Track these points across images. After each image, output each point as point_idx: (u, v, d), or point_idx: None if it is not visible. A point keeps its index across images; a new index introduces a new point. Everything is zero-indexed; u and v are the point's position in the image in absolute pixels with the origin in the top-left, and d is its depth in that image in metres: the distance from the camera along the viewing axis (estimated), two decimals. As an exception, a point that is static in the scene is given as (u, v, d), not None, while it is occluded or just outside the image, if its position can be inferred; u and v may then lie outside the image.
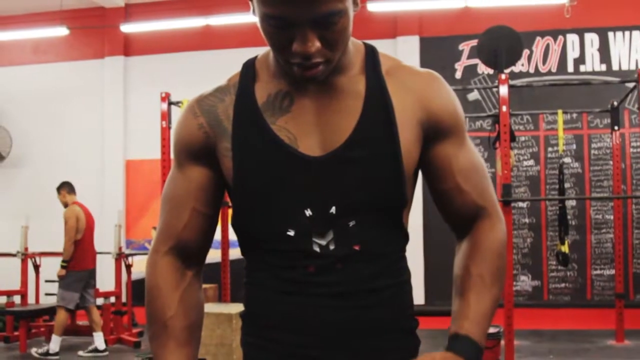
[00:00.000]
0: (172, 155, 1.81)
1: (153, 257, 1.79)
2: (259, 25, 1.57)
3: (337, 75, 1.66)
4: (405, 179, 1.68)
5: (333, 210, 1.64)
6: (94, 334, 8.94)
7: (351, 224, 1.64)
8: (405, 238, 1.78)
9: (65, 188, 9.41)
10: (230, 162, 1.68)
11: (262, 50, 1.82)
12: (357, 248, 1.65)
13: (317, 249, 1.64)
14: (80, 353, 8.89)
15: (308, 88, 1.66)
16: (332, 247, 1.64)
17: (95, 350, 8.88)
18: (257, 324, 1.75)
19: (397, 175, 1.66)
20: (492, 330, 7.98)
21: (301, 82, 1.65)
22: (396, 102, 1.68)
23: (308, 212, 1.64)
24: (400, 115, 1.67)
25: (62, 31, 12.67)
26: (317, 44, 1.52)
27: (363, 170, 1.65)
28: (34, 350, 8.81)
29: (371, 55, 1.74)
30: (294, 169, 1.64)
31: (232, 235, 10.01)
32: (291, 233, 1.64)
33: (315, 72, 1.58)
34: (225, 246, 9.55)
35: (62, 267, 9.35)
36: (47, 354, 8.70)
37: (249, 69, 1.75)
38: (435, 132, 1.72)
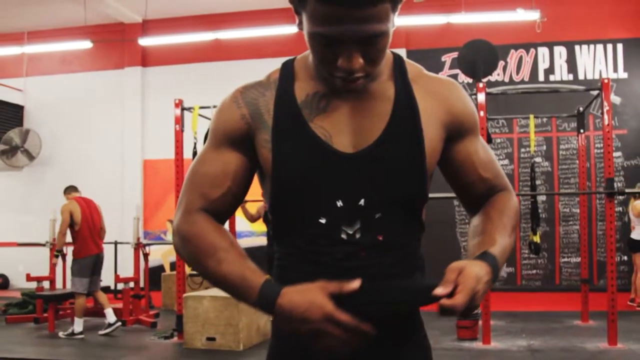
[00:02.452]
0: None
1: (188, 215, 1.72)
2: (305, 38, 1.56)
3: (369, 81, 1.65)
4: (427, 177, 1.69)
5: (362, 202, 1.64)
6: (105, 311, 8.91)
7: (377, 216, 1.64)
8: (422, 230, 1.78)
9: (68, 189, 9.40)
10: (268, 153, 1.66)
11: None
12: (380, 238, 1.65)
13: (344, 236, 1.63)
14: (100, 332, 8.88)
15: (343, 91, 1.65)
16: (358, 235, 1.64)
17: (109, 325, 8.86)
18: None
19: (421, 173, 1.67)
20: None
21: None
22: (422, 106, 1.69)
23: (339, 203, 1.64)
24: (426, 118, 1.68)
25: (86, 44, 12.67)
26: (361, 61, 1.52)
27: (391, 168, 1.65)
28: (61, 333, 8.79)
29: (399, 63, 1.74)
30: (328, 164, 1.64)
31: (239, 227, 10.04)
32: (323, 221, 1.64)
33: (356, 86, 1.59)
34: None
35: (55, 256, 9.49)
36: (72, 334, 8.68)
37: (289, 69, 1.73)
38: (457, 131, 1.74)
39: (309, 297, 1.49)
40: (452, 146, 1.75)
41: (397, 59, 1.76)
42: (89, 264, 8.92)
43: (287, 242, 1.72)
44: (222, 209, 1.74)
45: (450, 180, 1.83)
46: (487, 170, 1.79)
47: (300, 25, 1.58)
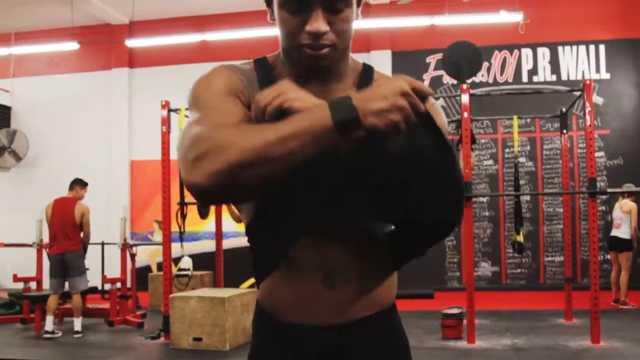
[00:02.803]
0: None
1: (196, 131, 1.43)
2: (276, 18, 1.60)
3: (334, 82, 1.66)
4: None
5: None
6: (74, 319, 8.83)
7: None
8: None
9: (70, 185, 9.38)
10: None
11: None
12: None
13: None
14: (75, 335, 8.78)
15: (309, 91, 1.56)
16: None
17: (75, 332, 8.79)
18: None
19: None
20: (455, 310, 8.00)
21: (309, 72, 1.63)
22: None
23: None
24: None
25: (73, 46, 12.62)
26: (327, 26, 1.55)
27: None
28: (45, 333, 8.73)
29: (367, 72, 1.75)
30: None
31: (225, 227, 10.01)
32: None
33: (323, 53, 1.58)
34: (219, 237, 9.52)
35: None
36: (49, 332, 8.61)
37: (264, 62, 1.73)
38: None
39: (385, 83, 1.38)
40: None
41: (367, 68, 1.76)
42: (52, 263, 8.87)
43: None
44: None
45: None
46: None
47: (271, 15, 1.62)
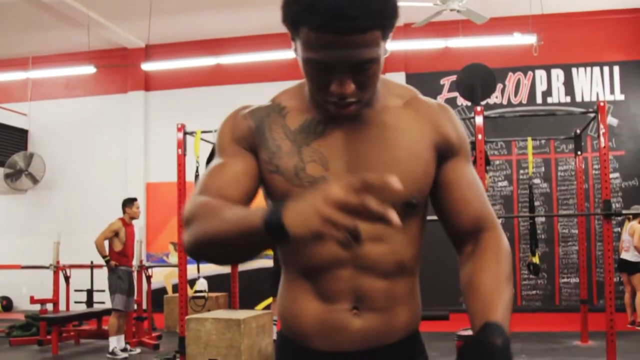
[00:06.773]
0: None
1: (195, 200, 1.60)
2: (300, 65, 1.56)
3: (362, 107, 1.64)
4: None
5: None
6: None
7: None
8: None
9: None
10: (269, 174, 1.67)
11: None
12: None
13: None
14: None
15: (338, 118, 1.65)
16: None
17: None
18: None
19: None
20: (471, 332, 7.96)
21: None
22: (415, 129, 1.68)
23: None
24: (418, 140, 1.67)
25: (90, 69, 12.70)
26: (353, 86, 1.52)
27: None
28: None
29: (393, 88, 1.75)
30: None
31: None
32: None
33: (348, 111, 1.58)
34: (234, 259, 9.51)
35: None
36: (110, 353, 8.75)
37: (277, 102, 1.73)
38: (446, 151, 1.71)
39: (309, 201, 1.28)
40: (442, 166, 1.72)
41: (391, 84, 1.76)
42: None
43: (291, 269, 1.73)
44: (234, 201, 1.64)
45: (433, 201, 1.77)
46: (470, 191, 1.74)
47: (296, 51, 1.58)
